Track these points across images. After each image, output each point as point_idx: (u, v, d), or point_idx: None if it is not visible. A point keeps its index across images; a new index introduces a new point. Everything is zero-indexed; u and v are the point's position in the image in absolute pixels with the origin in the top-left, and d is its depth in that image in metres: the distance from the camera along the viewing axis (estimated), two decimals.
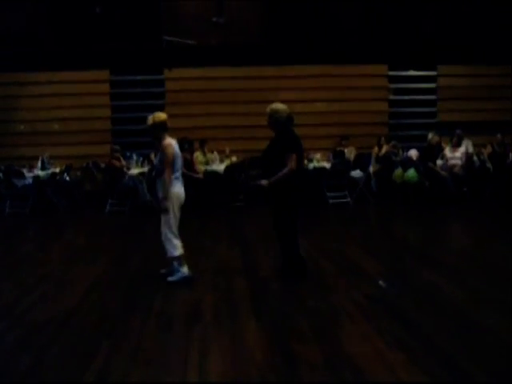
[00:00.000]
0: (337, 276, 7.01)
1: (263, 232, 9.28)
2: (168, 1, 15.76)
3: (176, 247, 6.71)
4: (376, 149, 14.65)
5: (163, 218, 6.71)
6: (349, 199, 13.22)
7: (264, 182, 6.63)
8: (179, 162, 6.83)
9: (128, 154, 14.29)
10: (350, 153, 14.61)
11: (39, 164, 14.10)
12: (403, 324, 5.20)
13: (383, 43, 15.68)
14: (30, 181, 13.45)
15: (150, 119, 6.75)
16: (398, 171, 13.55)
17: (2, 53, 15.07)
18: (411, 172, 13.23)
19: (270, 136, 6.98)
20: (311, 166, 13.51)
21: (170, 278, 6.82)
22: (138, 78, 15.83)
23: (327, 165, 13.62)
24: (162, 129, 6.76)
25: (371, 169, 14.11)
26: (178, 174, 6.80)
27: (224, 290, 6.49)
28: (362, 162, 14.13)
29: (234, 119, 15.38)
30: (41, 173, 13.74)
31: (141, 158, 14.13)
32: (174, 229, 6.73)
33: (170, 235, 6.70)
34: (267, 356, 4.60)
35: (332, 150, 14.95)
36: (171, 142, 6.74)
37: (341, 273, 7.16)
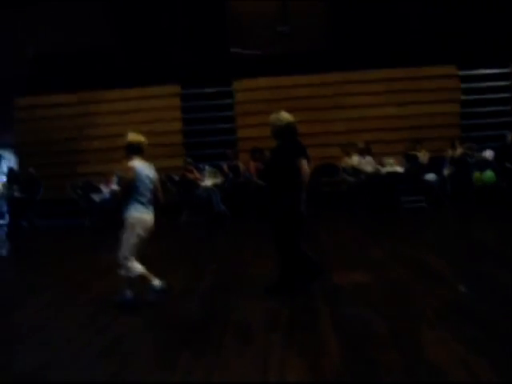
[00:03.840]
0: (414, 282, 6.91)
1: (339, 239, 9.27)
2: (233, 12, 15.98)
3: (129, 270, 6.39)
4: (450, 151, 14.34)
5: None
6: (424, 203, 13.01)
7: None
8: (144, 186, 6.47)
9: (201, 165, 14.55)
10: (423, 156, 14.36)
11: (115, 179, 14.53)
12: (483, 329, 5.08)
13: (450, 43, 15.38)
14: (108, 195, 13.87)
15: (129, 138, 6.68)
16: (477, 174, 13.27)
17: (74, 72, 15.64)
18: (489, 173, 12.94)
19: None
20: (384, 170, 13.38)
21: (116, 298, 6.58)
22: (208, 90, 16.09)
23: (400, 169, 13.45)
24: (132, 151, 6.60)
25: (446, 172, 13.84)
26: (144, 198, 6.49)
27: (301, 298, 6.49)
28: (436, 165, 13.88)
29: (303, 126, 15.09)
30: (117, 187, 14.12)
31: (214, 170, 14.35)
32: (133, 252, 6.44)
33: (124, 259, 6.41)
34: (346, 361, 4.58)
35: (404, 153, 14.73)
36: (134, 166, 6.46)
37: (418, 278, 7.04)
